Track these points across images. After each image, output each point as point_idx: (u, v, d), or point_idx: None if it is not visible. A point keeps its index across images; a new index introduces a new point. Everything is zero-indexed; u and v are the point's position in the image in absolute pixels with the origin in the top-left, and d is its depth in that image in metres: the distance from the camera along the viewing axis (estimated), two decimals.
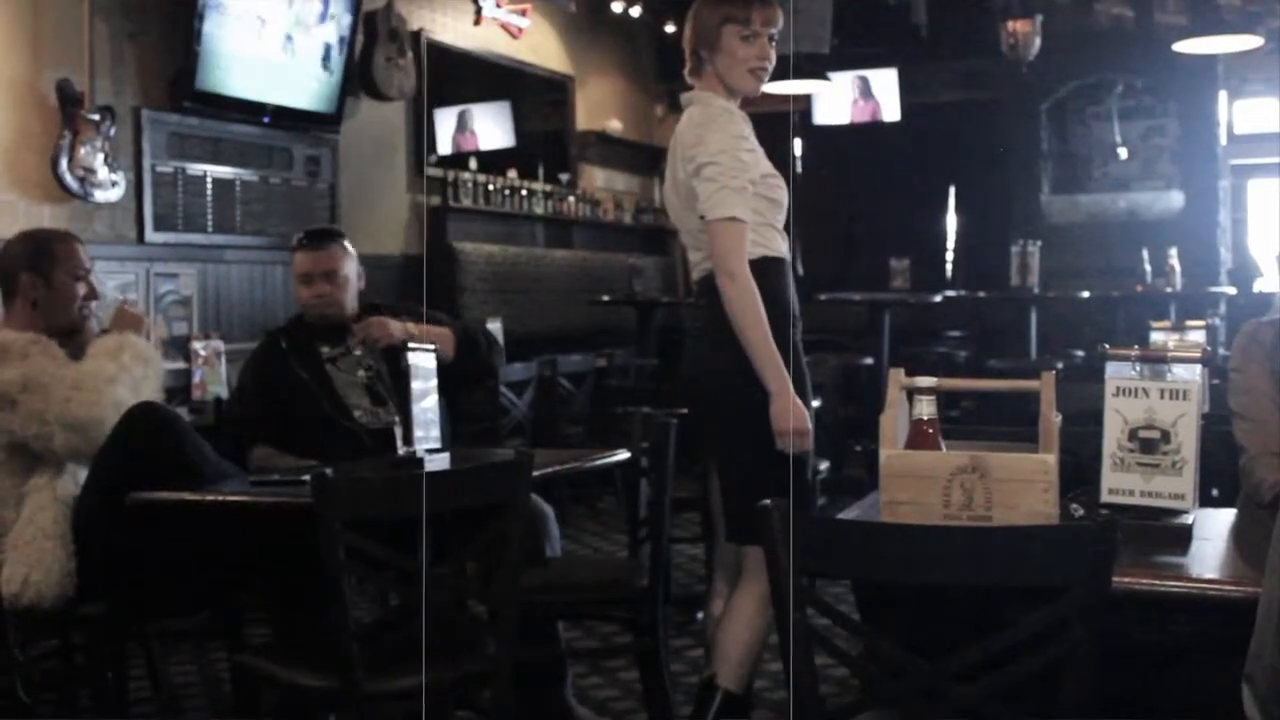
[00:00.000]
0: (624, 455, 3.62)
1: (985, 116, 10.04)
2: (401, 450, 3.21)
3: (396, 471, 3.11)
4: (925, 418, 2.26)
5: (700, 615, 4.22)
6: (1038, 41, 8.36)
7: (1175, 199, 9.82)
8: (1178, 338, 3.17)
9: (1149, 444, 2.17)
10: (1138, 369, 2.19)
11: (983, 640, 1.81)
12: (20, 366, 3.30)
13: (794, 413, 3.03)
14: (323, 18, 6.72)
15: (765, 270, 3.13)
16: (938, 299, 8.21)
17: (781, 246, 3.20)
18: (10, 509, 3.31)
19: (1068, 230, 9.89)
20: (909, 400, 2.32)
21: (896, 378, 2.34)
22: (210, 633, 4.20)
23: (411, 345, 3.25)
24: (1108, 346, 2.26)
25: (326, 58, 6.79)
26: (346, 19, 6.87)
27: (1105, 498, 2.19)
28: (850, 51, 9.30)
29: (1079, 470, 2.31)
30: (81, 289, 3.53)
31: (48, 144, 5.42)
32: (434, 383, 3.27)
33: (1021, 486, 2.13)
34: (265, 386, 3.92)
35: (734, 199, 3.08)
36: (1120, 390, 2.19)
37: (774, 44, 3.21)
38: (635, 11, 9.59)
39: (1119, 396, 2.19)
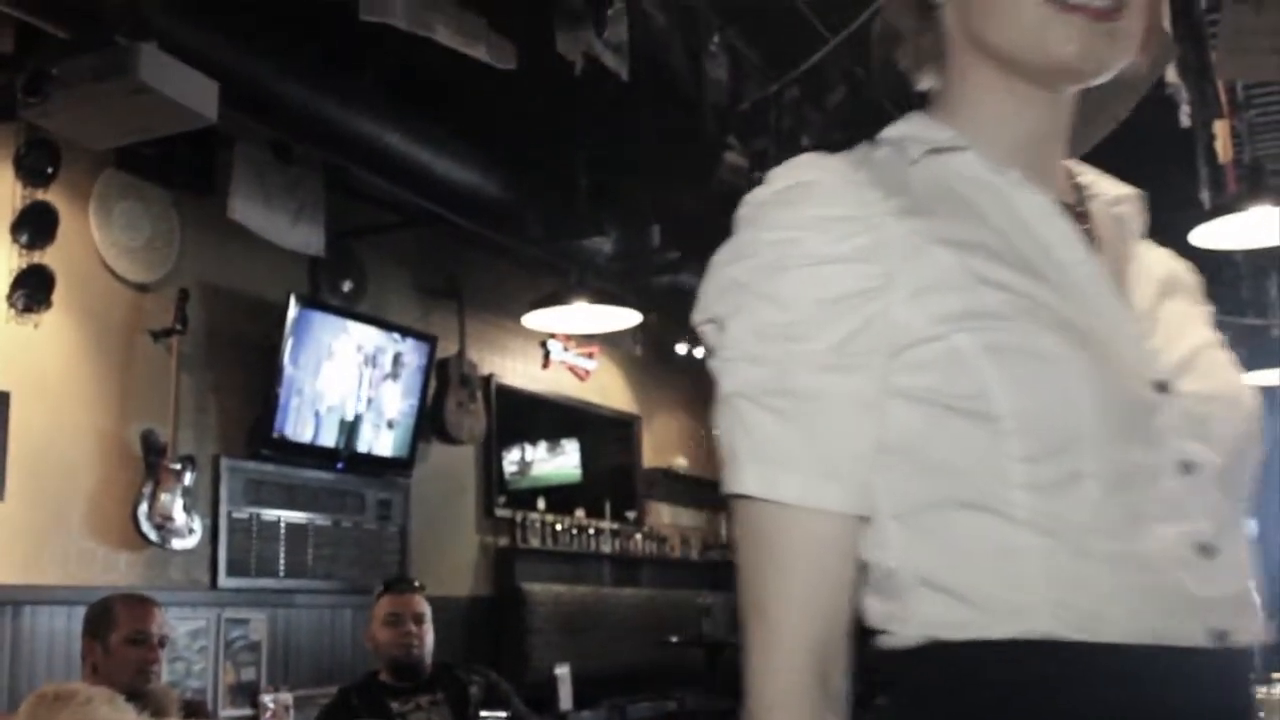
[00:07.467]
0: None
1: None
2: None
3: None
4: None
5: None
6: None
7: None
8: None
9: None
10: None
11: None
12: (76, 714, 3.28)
13: None
14: (396, 368, 6.94)
15: None
16: None
17: None
18: None
19: None
20: None
21: None
22: None
23: (484, 715, 3.23)
24: None
25: (399, 406, 6.98)
26: (420, 369, 7.09)
27: None
28: None
29: None
30: (138, 653, 3.54)
31: (129, 492, 5.54)
32: None
33: None
34: None
35: None
36: None
37: None
38: (699, 352, 9.81)
39: None
